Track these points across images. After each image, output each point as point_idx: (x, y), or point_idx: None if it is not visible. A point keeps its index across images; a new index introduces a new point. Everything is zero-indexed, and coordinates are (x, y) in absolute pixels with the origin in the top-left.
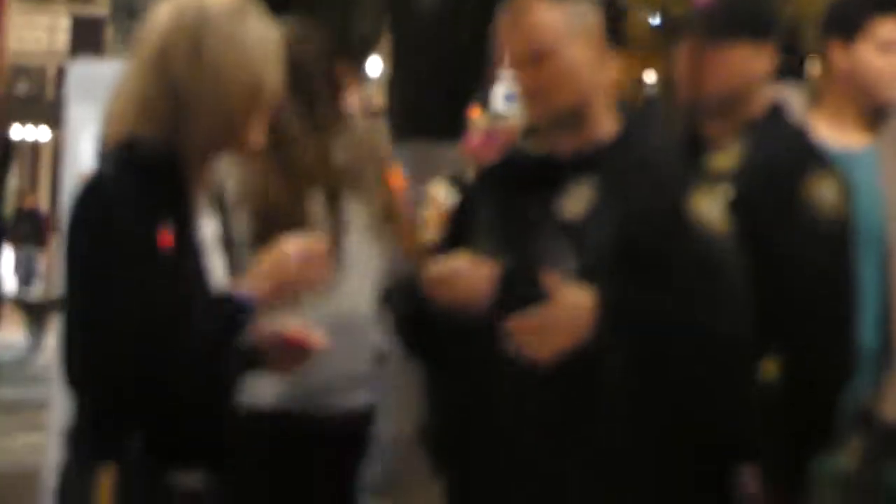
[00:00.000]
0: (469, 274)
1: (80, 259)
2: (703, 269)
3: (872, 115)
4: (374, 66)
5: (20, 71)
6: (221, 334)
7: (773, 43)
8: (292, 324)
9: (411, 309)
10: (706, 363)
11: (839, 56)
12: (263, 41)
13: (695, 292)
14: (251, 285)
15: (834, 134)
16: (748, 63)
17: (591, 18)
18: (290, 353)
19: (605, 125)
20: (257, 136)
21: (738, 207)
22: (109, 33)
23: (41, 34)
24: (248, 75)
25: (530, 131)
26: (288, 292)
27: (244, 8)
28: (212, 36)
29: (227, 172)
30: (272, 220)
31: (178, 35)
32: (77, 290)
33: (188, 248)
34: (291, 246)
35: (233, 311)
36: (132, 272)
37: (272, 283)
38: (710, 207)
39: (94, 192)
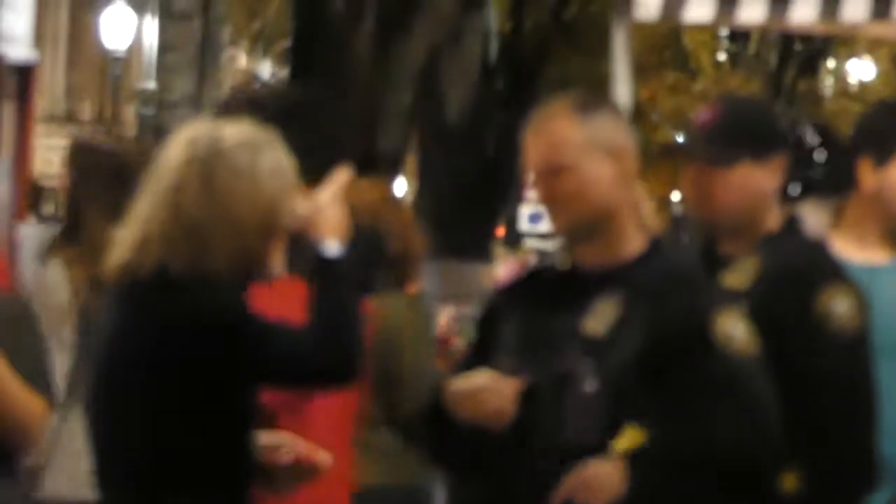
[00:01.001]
0: (492, 391)
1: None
2: (729, 392)
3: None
4: (401, 185)
5: (45, 192)
6: (347, 286)
7: (779, 158)
8: (302, 444)
9: (436, 423)
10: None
11: (868, 176)
12: (277, 171)
13: (719, 416)
14: (330, 238)
15: (856, 249)
16: (752, 181)
17: (616, 135)
18: (300, 471)
19: (632, 242)
20: (276, 262)
21: (753, 321)
22: None
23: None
24: (262, 206)
25: (561, 246)
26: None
27: (258, 139)
28: (224, 168)
29: None
30: None
31: (190, 168)
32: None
33: None
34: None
35: (341, 267)
36: (260, 323)
37: (335, 226)
38: (736, 328)
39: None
